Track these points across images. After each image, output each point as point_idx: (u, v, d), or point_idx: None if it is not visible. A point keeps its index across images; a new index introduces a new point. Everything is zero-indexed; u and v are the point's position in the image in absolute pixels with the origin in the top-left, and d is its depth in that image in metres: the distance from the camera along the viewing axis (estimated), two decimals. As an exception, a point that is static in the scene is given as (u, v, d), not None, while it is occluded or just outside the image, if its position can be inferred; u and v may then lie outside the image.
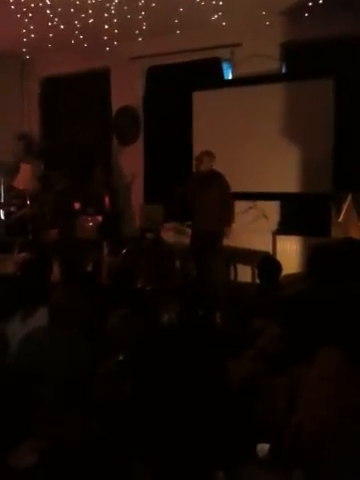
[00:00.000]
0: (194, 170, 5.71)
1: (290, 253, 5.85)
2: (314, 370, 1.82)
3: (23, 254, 5.06)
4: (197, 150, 6.52)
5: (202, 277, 5.34)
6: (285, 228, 6.11)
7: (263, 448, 1.89)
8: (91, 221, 6.60)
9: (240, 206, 5.81)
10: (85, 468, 1.35)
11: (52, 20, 5.89)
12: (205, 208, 5.27)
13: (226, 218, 5.31)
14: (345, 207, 5.14)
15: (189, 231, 6.26)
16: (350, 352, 1.78)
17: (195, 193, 5.35)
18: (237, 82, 6.36)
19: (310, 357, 1.85)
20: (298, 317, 2.20)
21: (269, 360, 2.20)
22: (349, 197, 5.12)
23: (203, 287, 5.04)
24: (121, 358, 1.96)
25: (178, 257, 5.87)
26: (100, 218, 6.61)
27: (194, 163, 5.50)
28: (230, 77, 6.55)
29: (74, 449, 1.39)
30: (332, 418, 1.64)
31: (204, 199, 5.26)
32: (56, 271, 4.16)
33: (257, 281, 4.34)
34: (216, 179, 5.33)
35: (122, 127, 7.24)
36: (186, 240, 6.26)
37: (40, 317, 2.92)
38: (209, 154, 5.37)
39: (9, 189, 7.15)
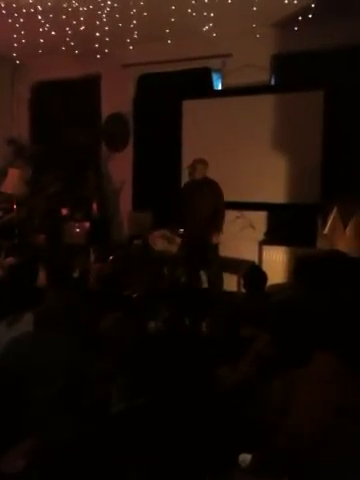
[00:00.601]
0: (187, 178, 5.74)
1: (276, 263, 5.90)
2: (310, 373, 1.85)
3: (10, 259, 5.02)
4: (186, 158, 6.57)
5: (193, 284, 5.35)
6: (272, 238, 6.16)
7: (245, 458, 1.89)
8: (78, 227, 6.60)
9: (227, 215, 5.84)
10: (75, 471, 1.35)
11: (43, 26, 5.90)
12: (199, 215, 5.30)
13: (217, 225, 5.34)
14: (331, 219, 5.20)
15: (178, 238, 6.28)
16: (344, 356, 1.81)
17: (188, 200, 5.36)
18: (227, 92, 6.43)
19: (302, 361, 1.88)
20: (288, 323, 2.23)
21: (263, 364, 2.22)
22: (335, 209, 5.19)
23: (192, 294, 5.05)
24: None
25: (166, 264, 5.88)
26: (87, 224, 6.61)
27: (188, 171, 5.50)
28: (220, 87, 6.61)
29: (64, 452, 1.38)
30: (330, 419, 1.66)
31: (198, 206, 5.29)
32: (43, 276, 4.14)
33: (243, 290, 4.37)
34: (210, 186, 5.37)
35: (112, 133, 7.26)
36: (174, 247, 6.27)
37: (26, 322, 2.91)
38: (203, 162, 5.41)
39: (-4, 193, 7.10)
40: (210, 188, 5.37)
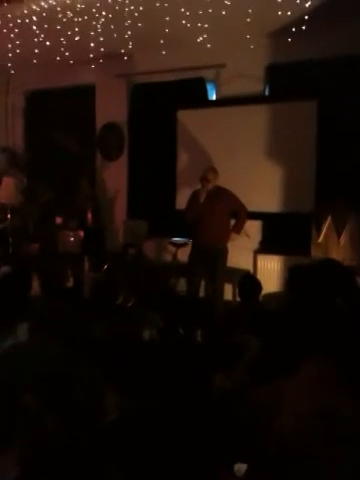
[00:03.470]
0: (185, 186, 5.64)
1: (271, 272, 5.91)
2: (300, 380, 1.85)
3: (3, 268, 5.00)
4: (181, 167, 6.60)
5: (193, 294, 5.25)
6: (266, 247, 6.18)
7: (240, 468, 1.89)
8: (72, 236, 6.59)
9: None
10: (68, 477, 1.33)
11: (38, 36, 5.93)
12: (210, 224, 5.12)
13: (237, 226, 5.30)
14: (325, 227, 5.22)
15: (172, 248, 6.27)
16: (334, 363, 1.81)
17: (200, 210, 5.14)
18: (221, 102, 6.46)
19: (293, 369, 1.88)
20: (280, 331, 2.23)
21: (255, 372, 2.22)
22: (329, 218, 5.21)
23: (188, 304, 5.02)
24: None
25: (161, 273, 5.87)
26: (82, 233, 6.61)
27: (200, 180, 5.26)
28: (214, 97, 6.65)
29: (56, 458, 1.37)
30: (318, 427, 1.66)
31: (209, 215, 5.11)
32: (36, 286, 4.12)
33: (238, 299, 4.37)
34: (223, 194, 5.19)
35: (106, 143, 7.28)
36: (169, 256, 6.28)
37: (20, 332, 2.89)
38: (214, 170, 5.23)
39: (-9, 203, 7.09)
40: (223, 196, 5.18)
